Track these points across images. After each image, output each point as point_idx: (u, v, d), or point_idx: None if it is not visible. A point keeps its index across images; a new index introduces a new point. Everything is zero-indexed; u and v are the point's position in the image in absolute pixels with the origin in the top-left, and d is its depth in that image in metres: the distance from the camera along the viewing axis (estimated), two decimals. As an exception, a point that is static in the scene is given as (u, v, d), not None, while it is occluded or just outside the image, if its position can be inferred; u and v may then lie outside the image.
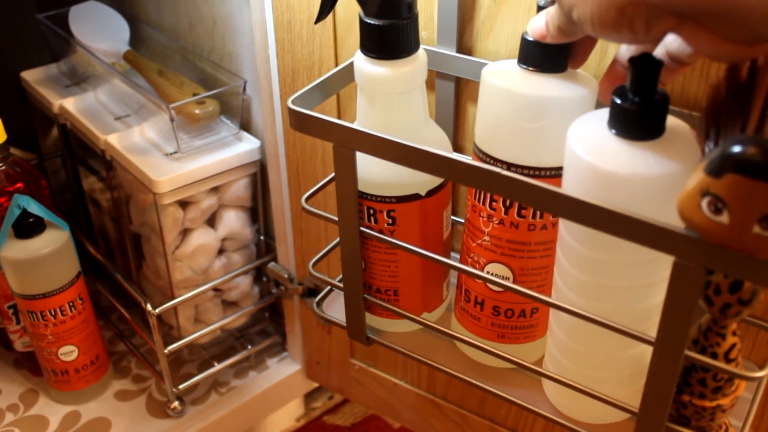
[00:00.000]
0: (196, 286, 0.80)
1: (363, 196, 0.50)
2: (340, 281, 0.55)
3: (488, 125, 0.47)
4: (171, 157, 0.75)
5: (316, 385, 0.94)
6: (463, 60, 0.55)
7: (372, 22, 0.46)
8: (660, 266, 0.41)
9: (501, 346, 0.51)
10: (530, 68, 0.45)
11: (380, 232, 0.51)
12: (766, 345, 0.52)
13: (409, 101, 0.48)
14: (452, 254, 0.59)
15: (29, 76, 0.92)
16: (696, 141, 0.39)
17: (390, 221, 0.51)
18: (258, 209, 0.83)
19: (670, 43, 0.41)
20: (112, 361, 0.90)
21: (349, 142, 0.46)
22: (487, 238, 0.49)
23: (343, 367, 0.83)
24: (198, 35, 0.82)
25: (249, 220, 0.83)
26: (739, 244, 0.33)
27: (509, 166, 0.46)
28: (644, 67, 0.38)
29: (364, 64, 0.47)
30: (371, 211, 0.51)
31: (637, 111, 0.39)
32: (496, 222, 0.48)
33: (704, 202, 0.33)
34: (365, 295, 0.54)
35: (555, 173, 0.46)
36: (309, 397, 1.02)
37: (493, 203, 0.48)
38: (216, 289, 0.84)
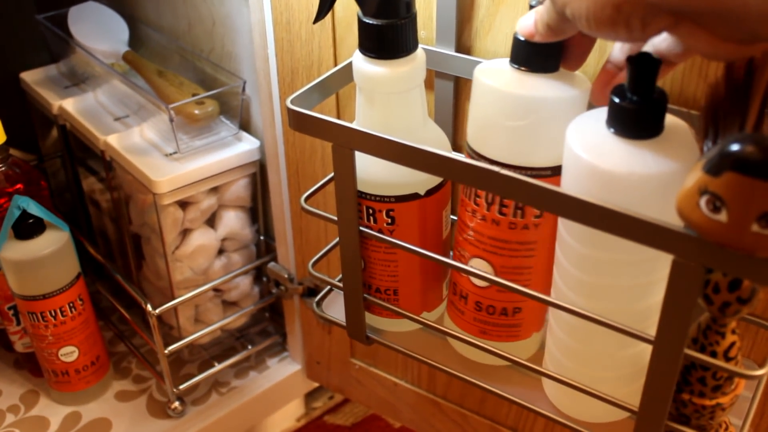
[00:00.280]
0: (196, 287, 0.80)
1: (362, 195, 0.50)
2: (339, 281, 0.55)
3: (479, 124, 0.47)
4: (170, 157, 0.75)
5: (316, 384, 0.94)
6: (461, 59, 0.55)
7: (370, 22, 0.46)
8: (659, 265, 0.41)
9: (485, 343, 0.51)
10: (521, 68, 0.45)
11: (380, 231, 0.51)
12: (765, 343, 0.52)
13: (407, 101, 0.48)
14: (451, 253, 0.59)
15: (29, 77, 0.92)
16: (694, 139, 0.39)
17: (389, 221, 0.51)
18: (258, 209, 0.83)
19: (659, 43, 0.41)
20: (113, 361, 0.90)
21: (348, 142, 0.46)
22: (471, 232, 0.50)
23: (344, 367, 0.83)
24: (197, 35, 0.82)
25: (249, 220, 0.83)
26: (738, 243, 0.33)
27: (500, 166, 0.46)
28: (643, 65, 0.38)
29: (362, 64, 0.47)
30: (370, 211, 0.51)
31: (636, 110, 0.39)
32: (479, 218, 0.48)
33: (703, 201, 0.33)
34: (365, 295, 0.54)
35: (546, 173, 0.46)
36: (309, 397, 1.02)
37: (477, 199, 0.48)
38: (216, 290, 0.84)
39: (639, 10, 0.34)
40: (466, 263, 0.51)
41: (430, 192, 0.50)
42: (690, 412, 0.43)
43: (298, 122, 0.47)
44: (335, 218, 0.51)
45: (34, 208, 0.73)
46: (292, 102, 0.47)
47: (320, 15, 0.48)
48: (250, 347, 0.90)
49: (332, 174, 0.49)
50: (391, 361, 0.78)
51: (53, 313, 0.77)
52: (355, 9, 0.47)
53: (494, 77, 0.46)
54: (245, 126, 0.79)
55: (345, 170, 0.48)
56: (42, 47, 0.95)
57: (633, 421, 0.44)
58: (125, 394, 0.87)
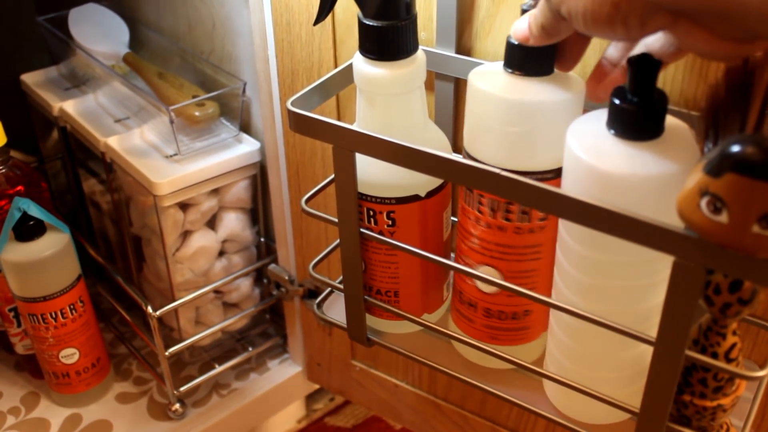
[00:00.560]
0: (197, 288, 0.80)
1: (363, 197, 0.50)
2: (340, 283, 0.55)
3: (474, 128, 0.47)
4: (171, 159, 0.75)
5: (317, 386, 0.94)
6: (462, 61, 0.55)
7: (371, 24, 0.46)
8: (660, 266, 0.41)
9: (494, 348, 0.50)
10: (515, 72, 0.45)
11: (380, 233, 0.51)
12: (766, 344, 0.52)
13: (408, 102, 0.48)
14: (452, 255, 0.59)
15: (29, 78, 0.92)
16: (695, 141, 0.39)
17: (390, 222, 0.51)
18: (258, 211, 0.83)
19: (652, 42, 0.40)
20: (113, 363, 0.90)
21: (349, 144, 0.46)
22: (476, 240, 0.49)
23: (344, 369, 0.83)
24: (197, 37, 0.82)
25: (249, 221, 0.83)
26: (739, 244, 0.33)
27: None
28: (643, 67, 0.38)
29: (363, 66, 0.47)
30: (371, 213, 0.51)
31: (636, 111, 0.39)
32: (484, 225, 0.48)
33: (703, 202, 0.33)
34: (365, 297, 0.54)
35: (541, 177, 0.46)
36: (310, 398, 1.02)
37: (480, 206, 0.48)
38: (216, 291, 0.84)
39: (637, 9, 0.33)
40: None
41: (430, 194, 0.50)
42: (691, 413, 0.43)
43: (298, 124, 0.47)
44: (336, 220, 0.51)
45: (35, 210, 0.74)
46: (292, 104, 0.47)
47: (320, 17, 0.48)
48: (250, 349, 0.90)
49: (333, 176, 0.49)
50: (391, 362, 0.78)
51: (54, 315, 0.77)
52: (356, 10, 0.47)
53: (488, 81, 0.46)
54: (245, 128, 0.79)
55: (345, 172, 0.48)
56: (42, 49, 0.95)
57: (634, 423, 0.44)
58: (126, 396, 0.87)
